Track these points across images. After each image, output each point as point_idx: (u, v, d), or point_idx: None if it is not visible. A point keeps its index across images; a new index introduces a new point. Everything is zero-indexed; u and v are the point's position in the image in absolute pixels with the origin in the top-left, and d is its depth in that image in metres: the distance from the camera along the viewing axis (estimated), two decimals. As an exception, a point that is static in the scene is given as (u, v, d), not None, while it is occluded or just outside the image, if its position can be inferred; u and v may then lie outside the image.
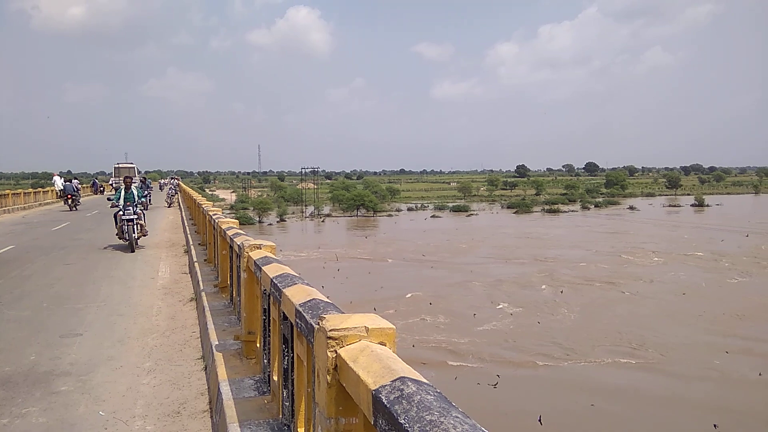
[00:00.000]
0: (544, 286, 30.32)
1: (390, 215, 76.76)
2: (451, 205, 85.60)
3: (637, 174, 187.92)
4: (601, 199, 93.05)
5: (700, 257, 38.58)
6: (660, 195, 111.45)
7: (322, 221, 70.32)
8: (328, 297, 3.16)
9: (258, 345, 5.31)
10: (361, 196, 77.55)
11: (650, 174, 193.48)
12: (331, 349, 2.06)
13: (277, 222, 67.72)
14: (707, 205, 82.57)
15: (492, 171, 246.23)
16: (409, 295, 27.99)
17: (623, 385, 17.00)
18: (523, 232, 56.49)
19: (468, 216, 75.41)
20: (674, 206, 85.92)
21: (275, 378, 4.18)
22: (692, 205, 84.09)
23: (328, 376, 2.06)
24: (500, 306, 26.19)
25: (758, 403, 15.68)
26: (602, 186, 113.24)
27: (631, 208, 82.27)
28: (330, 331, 2.07)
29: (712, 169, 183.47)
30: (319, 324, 2.22)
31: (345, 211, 76.73)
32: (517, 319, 24.02)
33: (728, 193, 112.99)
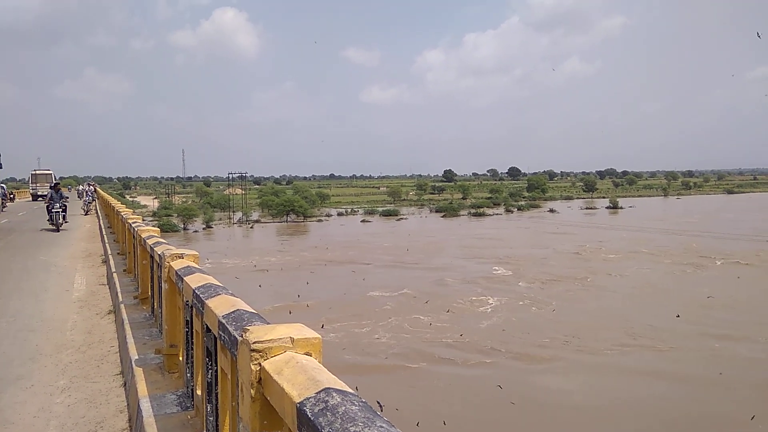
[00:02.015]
0: (521, 283, 32.10)
1: (320, 220, 76.31)
2: (381, 209, 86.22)
3: (556, 178, 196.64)
4: (523, 203, 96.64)
5: (648, 254, 41.58)
6: (578, 198, 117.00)
7: (251, 227, 68.95)
8: (253, 307, 3.09)
9: (181, 358, 5.12)
10: (290, 202, 76.69)
11: (568, 178, 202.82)
12: (255, 362, 2.01)
13: (204, 229, 65.80)
14: (621, 208, 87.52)
15: (420, 175, 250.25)
16: (402, 291, 29.25)
17: (638, 368, 18.68)
18: (472, 233, 58.37)
19: (398, 220, 76.20)
20: (591, 209, 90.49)
21: (199, 392, 4.05)
22: (607, 208, 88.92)
23: (252, 390, 2.01)
24: (489, 303, 27.66)
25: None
26: (524, 190, 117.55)
27: (552, 210, 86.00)
28: (254, 343, 2.02)
29: (625, 173, 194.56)
30: (242, 336, 2.16)
31: (274, 217, 75.62)
32: (516, 313, 25.44)
33: (640, 196, 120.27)
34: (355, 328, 23.76)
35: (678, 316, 23.76)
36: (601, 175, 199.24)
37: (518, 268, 36.49)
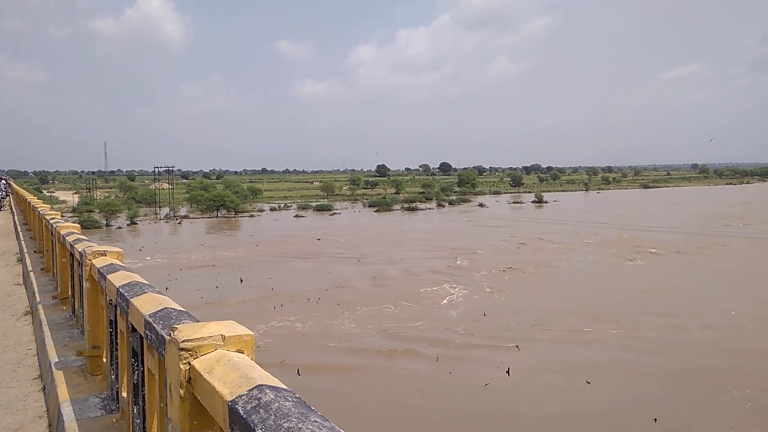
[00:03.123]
0: (479, 273, 33.49)
1: (252, 216, 74.92)
2: (314, 204, 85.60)
3: (485, 173, 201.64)
4: (454, 197, 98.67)
5: (587, 245, 44.37)
6: (505, 192, 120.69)
7: (179, 223, 66.78)
8: (181, 305, 3.03)
9: (104, 360, 4.93)
10: (221, 197, 74.85)
11: (497, 173, 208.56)
12: (184, 361, 1.97)
13: (128, 225, 63.15)
14: (546, 202, 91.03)
15: (354, 170, 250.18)
16: (363, 283, 28.31)
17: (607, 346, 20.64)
18: (416, 227, 59.62)
19: (332, 215, 75.96)
20: (518, 203, 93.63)
21: (124, 394, 3.93)
22: (533, 202, 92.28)
23: (181, 390, 1.97)
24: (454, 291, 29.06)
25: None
26: (455, 185, 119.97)
27: (481, 205, 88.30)
28: (183, 342, 1.98)
29: (549, 168, 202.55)
30: (171, 335, 2.12)
31: (204, 212, 73.57)
32: (482, 302, 26.82)
33: (563, 191, 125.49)
34: (324, 318, 24.22)
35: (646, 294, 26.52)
36: (527, 170, 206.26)
37: (473, 259, 38.17)
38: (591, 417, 15.00)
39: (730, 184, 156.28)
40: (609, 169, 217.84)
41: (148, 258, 39.21)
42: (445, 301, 27.11)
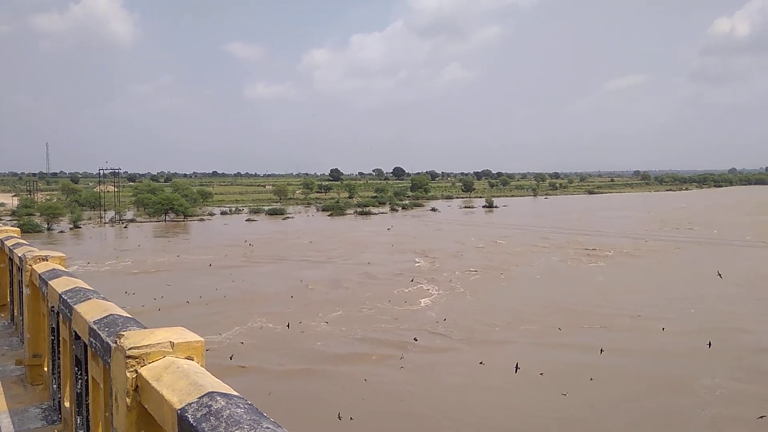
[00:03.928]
0: (445, 273, 34.68)
1: (202, 219, 73.42)
2: (267, 208, 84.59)
3: (438, 178, 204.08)
4: (407, 202, 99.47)
5: (546, 248, 46.06)
6: (457, 197, 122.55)
7: (125, 227, 64.79)
8: (126, 311, 2.96)
9: (46, 369, 4.76)
10: (169, 200, 73.04)
11: (449, 178, 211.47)
12: (131, 369, 1.91)
13: (71, 229, 60.87)
14: (496, 207, 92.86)
15: (307, 174, 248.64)
16: (336, 284, 27.84)
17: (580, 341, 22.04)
18: (375, 230, 60.15)
19: (284, 219, 75.23)
20: (470, 207, 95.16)
21: (67, 404, 3.80)
22: (484, 207, 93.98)
23: (127, 399, 1.92)
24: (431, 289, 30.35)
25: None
26: (408, 189, 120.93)
27: (434, 209, 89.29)
28: (129, 349, 1.93)
29: (499, 174, 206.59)
30: (117, 342, 2.07)
31: (151, 216, 71.64)
32: (456, 302, 27.91)
33: (513, 196, 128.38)
34: (301, 319, 24.57)
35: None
36: (478, 175, 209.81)
37: (439, 262, 39.22)
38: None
39: (670, 190, 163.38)
40: (556, 175, 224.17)
41: (93, 263, 37.88)
42: (420, 302, 27.94)
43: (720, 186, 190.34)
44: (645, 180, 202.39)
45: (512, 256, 41.75)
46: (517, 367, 18.23)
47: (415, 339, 21.90)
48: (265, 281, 32.94)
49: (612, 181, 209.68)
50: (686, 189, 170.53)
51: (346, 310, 26.32)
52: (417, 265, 38.16)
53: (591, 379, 17.78)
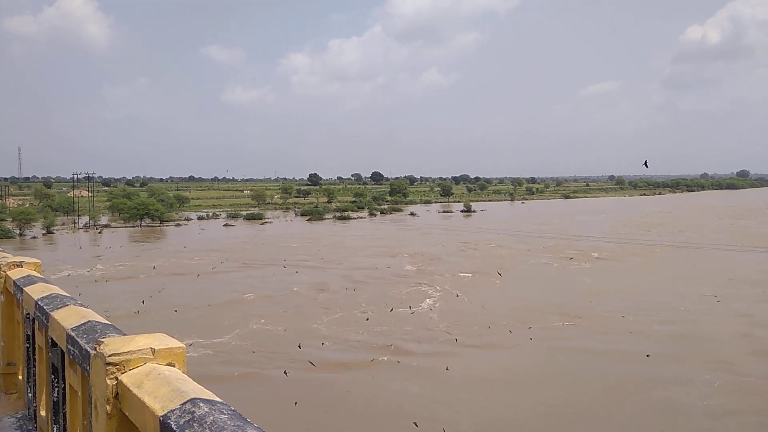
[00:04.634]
0: (437, 276, 35.32)
1: (179, 224, 72.60)
2: (245, 213, 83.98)
3: (416, 183, 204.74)
4: (386, 206, 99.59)
5: (532, 251, 46.90)
6: (436, 202, 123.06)
7: (99, 233, 63.77)
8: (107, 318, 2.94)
9: (20, 377, 4.68)
10: (145, 205, 72.05)
11: (427, 183, 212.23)
12: (111, 376, 1.90)
13: (44, 234, 59.70)
14: (474, 211, 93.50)
15: (285, 179, 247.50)
16: (331, 288, 27.38)
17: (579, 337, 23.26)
18: (358, 234, 60.46)
19: (262, 224, 74.78)
20: (448, 212, 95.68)
21: (43, 413, 3.74)
22: (462, 211, 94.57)
23: (108, 406, 1.90)
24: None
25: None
26: (387, 194, 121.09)
27: (412, 214, 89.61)
28: (110, 356, 1.92)
29: (477, 179, 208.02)
30: (96, 349, 2.05)
31: (127, 221, 70.60)
32: (455, 304, 28.64)
33: (490, 200, 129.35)
34: (300, 323, 24.97)
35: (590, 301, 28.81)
36: (456, 180, 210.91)
37: (429, 266, 39.74)
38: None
39: (644, 195, 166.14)
40: (533, 180, 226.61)
41: (70, 269, 37.21)
42: (419, 305, 28.42)
43: (692, 190, 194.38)
44: (619, 185, 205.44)
45: (501, 259, 42.37)
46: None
47: (417, 342, 22.36)
48: (252, 286, 32.83)
49: (587, 185, 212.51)
50: (659, 194, 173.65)
51: (344, 313, 26.69)
52: (408, 268, 38.65)
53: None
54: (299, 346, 21.49)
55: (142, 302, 27.51)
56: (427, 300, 29.39)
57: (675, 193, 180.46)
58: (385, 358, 20.79)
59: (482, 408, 16.63)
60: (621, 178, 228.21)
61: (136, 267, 39.00)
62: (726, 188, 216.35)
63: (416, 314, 26.62)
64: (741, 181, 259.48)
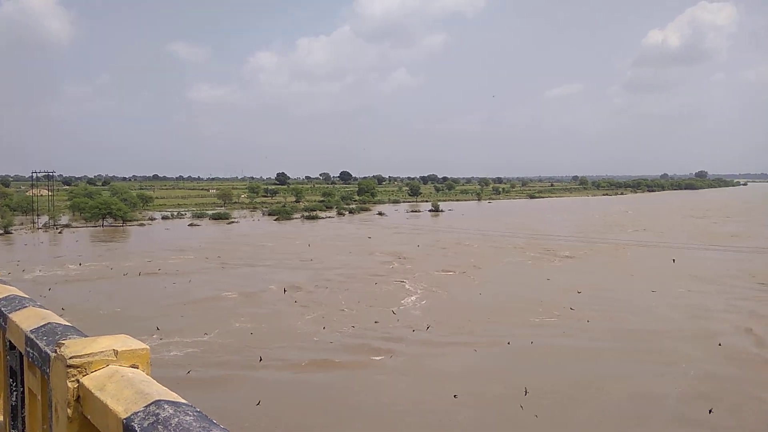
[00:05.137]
0: (417, 273, 36.27)
1: (142, 224, 71.21)
2: (211, 212, 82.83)
3: (384, 183, 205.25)
4: (354, 206, 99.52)
5: (505, 249, 47.90)
6: (404, 201, 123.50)
7: (60, 232, 62.10)
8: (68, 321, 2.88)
9: (-24, 381, 4.53)
10: (107, 204, 70.44)
11: (395, 183, 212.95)
12: (73, 379, 1.90)
13: (1, 235, 57.80)
14: (441, 211, 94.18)
15: (253, 178, 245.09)
16: (320, 285, 26.78)
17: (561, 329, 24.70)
18: (338, 233, 60.67)
19: (229, 224, 73.89)
20: (416, 211, 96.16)
21: (1, 418, 3.65)
22: (430, 211, 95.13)
23: (68, 410, 1.85)
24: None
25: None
26: (355, 193, 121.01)
27: (380, 213, 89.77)
28: (71, 358, 1.91)
29: (444, 178, 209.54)
30: (56, 351, 2.03)
31: (88, 221, 68.91)
32: (437, 301, 29.55)
33: (458, 200, 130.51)
34: (284, 321, 25.28)
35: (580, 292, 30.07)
36: (425, 180, 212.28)
37: (406, 264, 40.27)
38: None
39: (607, 194, 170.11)
40: (499, 180, 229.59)
41: (25, 270, 36.11)
42: (401, 303, 28.90)
43: (653, 190, 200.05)
44: (583, 185, 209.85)
45: (475, 258, 43.16)
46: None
47: (385, 346, 22.34)
48: (232, 285, 32.87)
49: (552, 185, 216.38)
50: (621, 193, 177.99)
51: (325, 311, 26.94)
52: (386, 267, 39.13)
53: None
54: (276, 347, 21.65)
55: (101, 305, 26.95)
56: (409, 298, 29.86)
57: (636, 193, 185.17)
58: (369, 358, 21.00)
59: (476, 405, 16.98)
60: (584, 178, 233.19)
61: (97, 268, 38.16)
62: (685, 188, 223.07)
63: (398, 312, 26.92)
64: (699, 181, 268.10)
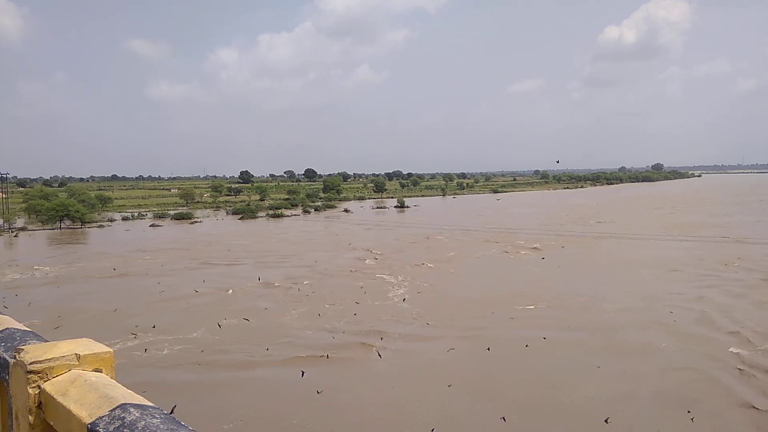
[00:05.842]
0: (394, 267, 36.77)
1: (102, 226, 69.42)
2: (173, 212, 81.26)
3: (349, 179, 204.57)
4: (320, 203, 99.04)
5: (477, 244, 48.24)
6: (369, 198, 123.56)
7: (15, 236, 60.01)
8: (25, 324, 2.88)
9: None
10: (65, 206, 68.34)
11: (361, 179, 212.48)
12: (34, 385, 1.84)
13: (-50, 240, 55.47)
14: (407, 207, 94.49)
15: (215, 177, 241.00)
16: (302, 281, 26.54)
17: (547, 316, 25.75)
18: (301, 231, 60.71)
19: (192, 223, 72.61)
20: (382, 208, 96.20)
21: None
22: (395, 207, 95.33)
23: (30, 417, 1.84)
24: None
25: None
26: (321, 191, 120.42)
27: (346, 210, 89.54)
28: (31, 364, 1.86)
29: (409, 174, 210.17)
30: (16, 357, 2.00)
31: (45, 224, 66.79)
32: (421, 293, 29.80)
33: (423, 196, 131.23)
34: (271, 317, 25.20)
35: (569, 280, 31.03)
36: (390, 176, 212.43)
37: (387, 259, 40.48)
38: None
39: (567, 188, 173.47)
40: (463, 176, 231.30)
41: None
42: (389, 294, 29.28)
43: (612, 183, 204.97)
44: (544, 179, 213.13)
45: (449, 251, 43.75)
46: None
47: (381, 338, 22.52)
48: (210, 284, 32.53)
49: (514, 180, 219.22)
50: (582, 187, 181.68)
51: (309, 308, 26.90)
52: (363, 261, 39.54)
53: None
54: (267, 348, 21.37)
55: (70, 310, 26.27)
56: (396, 291, 30.15)
57: (596, 186, 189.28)
58: (365, 353, 20.97)
59: (471, 401, 17.12)
60: (545, 172, 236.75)
61: (58, 271, 37.12)
62: (642, 181, 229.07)
63: (388, 306, 27.16)
64: (656, 173, 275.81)
